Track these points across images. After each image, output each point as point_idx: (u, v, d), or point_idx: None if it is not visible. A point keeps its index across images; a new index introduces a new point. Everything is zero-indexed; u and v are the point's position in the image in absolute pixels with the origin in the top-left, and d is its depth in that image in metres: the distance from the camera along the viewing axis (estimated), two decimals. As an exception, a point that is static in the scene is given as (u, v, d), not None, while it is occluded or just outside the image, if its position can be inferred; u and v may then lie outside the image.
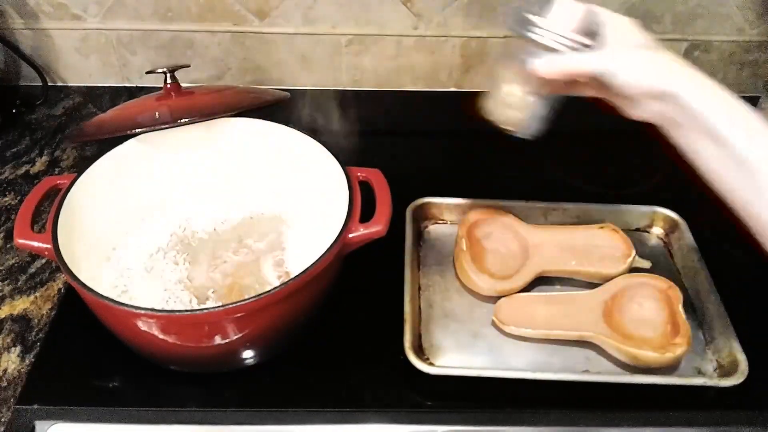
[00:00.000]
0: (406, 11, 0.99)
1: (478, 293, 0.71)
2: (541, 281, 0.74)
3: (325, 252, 0.59)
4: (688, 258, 0.76)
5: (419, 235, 0.79)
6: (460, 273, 0.73)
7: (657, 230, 0.81)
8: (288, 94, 0.79)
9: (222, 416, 0.61)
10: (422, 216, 0.81)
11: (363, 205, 0.64)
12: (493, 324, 0.68)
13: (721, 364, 0.65)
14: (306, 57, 1.04)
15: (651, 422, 0.62)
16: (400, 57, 1.05)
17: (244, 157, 0.79)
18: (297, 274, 0.57)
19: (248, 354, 0.63)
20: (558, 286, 0.74)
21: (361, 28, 1.01)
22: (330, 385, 0.64)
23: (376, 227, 0.62)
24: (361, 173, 0.68)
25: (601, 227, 0.76)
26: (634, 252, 0.73)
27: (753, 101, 1.00)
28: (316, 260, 0.58)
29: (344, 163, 0.69)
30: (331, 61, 1.05)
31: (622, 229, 0.76)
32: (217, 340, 0.58)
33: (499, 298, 0.70)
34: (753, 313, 0.70)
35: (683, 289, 0.70)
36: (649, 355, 0.62)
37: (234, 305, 0.54)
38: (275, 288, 0.56)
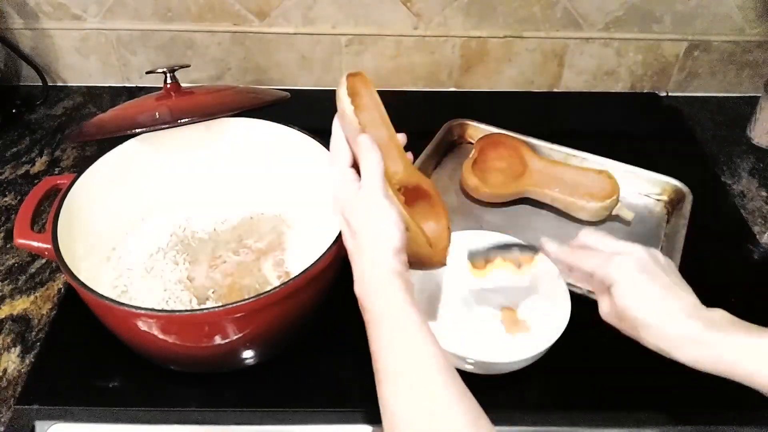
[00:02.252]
0: (406, 11, 0.99)
1: (470, 195, 0.85)
2: (527, 202, 0.85)
3: (325, 252, 0.59)
4: (677, 224, 0.79)
5: (450, 147, 0.94)
6: (462, 174, 0.85)
7: (664, 198, 0.85)
8: (288, 94, 0.79)
9: (222, 416, 0.61)
10: (457, 133, 0.95)
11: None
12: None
13: None
14: (306, 57, 1.04)
15: (651, 422, 0.62)
16: (400, 57, 1.05)
17: (244, 157, 0.79)
18: (297, 274, 0.57)
19: (248, 354, 0.63)
20: (543, 211, 0.84)
21: (361, 28, 1.01)
22: (330, 385, 0.64)
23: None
24: (361, 173, 0.68)
25: (599, 172, 0.82)
26: (616, 196, 0.79)
27: (753, 101, 1.00)
28: (316, 260, 0.58)
29: (344, 163, 0.69)
30: (331, 61, 1.05)
31: (636, 193, 0.85)
32: (217, 340, 0.58)
33: (487, 203, 0.84)
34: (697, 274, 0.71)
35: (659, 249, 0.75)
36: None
37: (234, 305, 0.54)
38: (275, 288, 0.56)
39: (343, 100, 0.55)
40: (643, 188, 0.86)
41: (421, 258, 0.56)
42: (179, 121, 0.68)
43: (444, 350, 0.48)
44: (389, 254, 0.51)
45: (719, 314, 0.51)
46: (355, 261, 0.53)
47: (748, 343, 0.48)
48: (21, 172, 0.91)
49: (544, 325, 0.66)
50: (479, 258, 0.66)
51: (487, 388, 0.63)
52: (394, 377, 0.46)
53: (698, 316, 0.50)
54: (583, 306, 0.64)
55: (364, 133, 0.54)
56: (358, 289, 0.52)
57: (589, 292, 0.70)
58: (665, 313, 0.51)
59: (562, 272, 0.62)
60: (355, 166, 0.56)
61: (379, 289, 0.50)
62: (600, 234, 0.57)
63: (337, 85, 0.56)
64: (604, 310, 0.55)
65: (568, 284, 0.66)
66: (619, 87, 1.09)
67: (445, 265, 0.58)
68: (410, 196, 0.59)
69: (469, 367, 0.61)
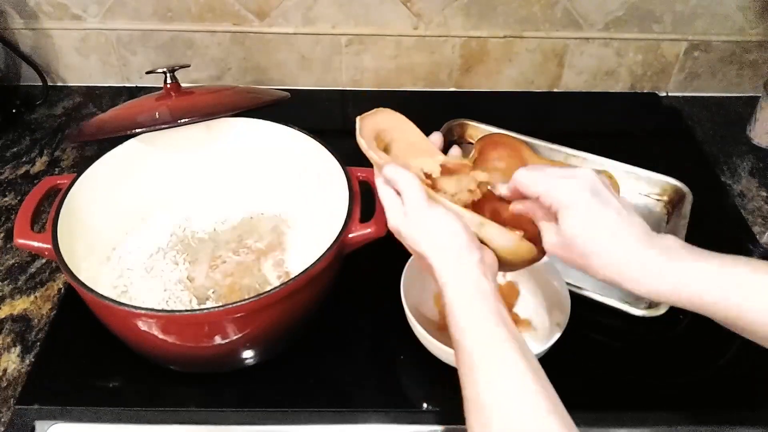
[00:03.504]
0: (406, 11, 0.99)
1: None
2: None
3: (325, 252, 0.59)
4: (677, 224, 0.79)
5: (450, 147, 0.92)
6: None
7: (664, 198, 0.85)
8: (288, 94, 0.79)
9: (222, 416, 0.61)
10: (457, 133, 0.95)
11: (363, 205, 0.64)
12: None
13: (651, 304, 0.69)
14: (306, 57, 1.04)
15: (651, 422, 0.62)
16: (400, 57, 1.05)
17: (244, 157, 0.79)
18: (297, 274, 0.57)
19: (248, 354, 0.63)
20: None
21: (361, 28, 1.01)
22: (330, 385, 0.64)
23: (376, 227, 0.62)
24: (361, 173, 0.68)
25: (599, 172, 0.80)
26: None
27: (753, 101, 1.00)
28: (316, 260, 0.58)
29: (344, 163, 0.69)
30: (331, 61, 1.05)
31: (636, 193, 0.84)
32: (217, 340, 0.58)
33: None
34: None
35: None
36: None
37: (234, 305, 0.54)
38: (275, 288, 0.56)
39: (359, 142, 0.55)
40: (643, 188, 0.86)
41: (512, 252, 0.52)
42: (179, 121, 0.68)
43: (541, 374, 0.45)
44: (456, 257, 0.48)
45: (672, 240, 0.48)
46: (439, 285, 0.50)
47: (709, 271, 0.45)
48: (21, 172, 0.91)
49: (545, 325, 0.66)
50: None
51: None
52: (481, 409, 0.43)
53: (651, 244, 0.47)
54: (583, 306, 0.64)
55: (388, 164, 0.53)
56: (445, 306, 0.49)
57: (590, 290, 0.70)
58: (618, 242, 0.47)
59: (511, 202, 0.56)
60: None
61: (461, 309, 0.47)
62: (538, 171, 0.52)
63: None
64: (550, 239, 0.50)
65: (568, 284, 0.66)
66: (619, 87, 1.09)
67: (542, 255, 0.53)
68: (484, 203, 0.57)
69: None
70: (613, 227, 0.47)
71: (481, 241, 0.51)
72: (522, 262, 0.53)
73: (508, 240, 0.51)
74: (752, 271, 0.44)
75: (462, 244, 0.49)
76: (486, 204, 0.57)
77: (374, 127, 0.58)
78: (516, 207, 0.55)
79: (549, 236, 0.50)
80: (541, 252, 0.52)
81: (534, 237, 0.52)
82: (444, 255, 0.49)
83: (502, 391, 0.43)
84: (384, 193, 0.54)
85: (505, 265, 0.52)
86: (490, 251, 0.51)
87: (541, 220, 0.51)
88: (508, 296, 0.71)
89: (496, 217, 0.54)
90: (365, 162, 0.67)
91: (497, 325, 0.46)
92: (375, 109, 0.59)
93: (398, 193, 0.53)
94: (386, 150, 0.59)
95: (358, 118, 0.57)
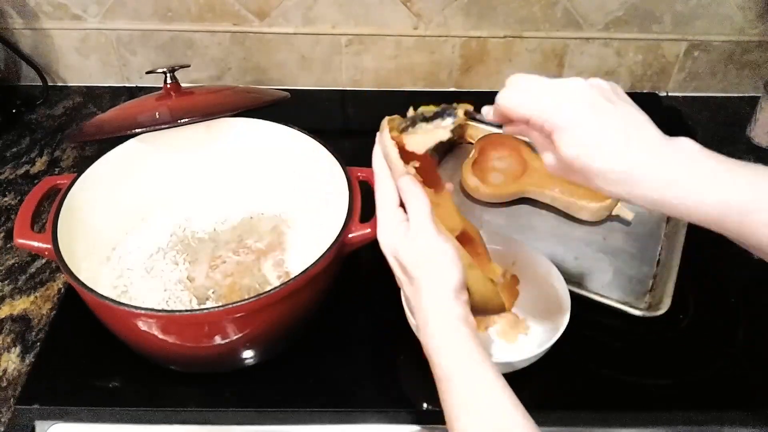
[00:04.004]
0: (406, 11, 0.99)
1: (470, 195, 0.85)
2: (527, 202, 0.84)
3: (325, 252, 0.59)
4: (677, 224, 0.79)
5: (450, 147, 0.94)
6: (461, 174, 0.85)
7: None
8: (288, 94, 0.79)
9: (222, 416, 0.61)
10: (457, 133, 0.95)
11: (363, 205, 0.64)
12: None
13: (651, 303, 0.71)
14: (306, 57, 1.04)
15: (651, 422, 0.62)
16: (400, 57, 1.05)
17: (244, 157, 0.79)
18: (297, 274, 0.57)
19: (248, 354, 0.63)
20: (543, 211, 0.83)
21: (361, 28, 1.01)
22: (330, 385, 0.64)
23: (377, 228, 0.61)
24: (361, 173, 0.68)
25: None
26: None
27: (753, 101, 1.00)
28: (316, 260, 0.58)
29: (344, 163, 0.69)
30: (331, 61, 1.05)
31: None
32: (217, 340, 0.58)
33: (487, 203, 0.83)
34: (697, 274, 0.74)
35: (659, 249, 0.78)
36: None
37: (234, 305, 0.54)
38: (275, 288, 0.56)
39: (387, 144, 0.53)
40: None
41: (484, 299, 0.52)
42: (179, 121, 0.68)
43: (520, 406, 0.44)
44: (451, 295, 0.48)
45: (687, 143, 0.43)
46: (416, 307, 0.49)
47: (744, 177, 0.41)
48: (21, 172, 0.91)
49: (544, 326, 0.66)
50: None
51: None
52: None
53: (662, 150, 0.42)
54: (583, 306, 0.64)
55: (406, 176, 0.51)
56: (424, 339, 0.48)
57: (590, 290, 0.70)
58: (624, 157, 0.42)
59: (494, 122, 0.53)
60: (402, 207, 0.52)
61: (448, 342, 0.47)
62: (532, 76, 0.47)
63: (380, 128, 0.54)
64: (548, 161, 0.47)
65: (567, 282, 0.66)
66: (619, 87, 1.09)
67: (505, 310, 0.55)
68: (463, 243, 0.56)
69: None
70: (616, 141, 0.42)
71: None
72: (489, 311, 0.55)
73: (488, 289, 0.52)
74: None
75: (458, 284, 0.48)
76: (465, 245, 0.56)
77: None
78: (507, 129, 0.50)
79: (548, 158, 0.47)
80: (509, 309, 0.55)
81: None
82: (437, 288, 0.48)
83: (489, 424, 0.44)
84: (387, 198, 0.52)
85: (473, 309, 0.52)
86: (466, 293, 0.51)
87: (537, 140, 0.47)
88: (509, 295, 0.70)
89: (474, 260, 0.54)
90: (365, 162, 0.67)
91: (483, 361, 0.46)
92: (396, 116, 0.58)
93: (402, 207, 0.51)
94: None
95: (386, 119, 0.55)
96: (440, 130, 0.54)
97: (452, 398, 0.45)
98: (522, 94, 0.46)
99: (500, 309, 0.55)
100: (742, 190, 0.41)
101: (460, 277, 0.48)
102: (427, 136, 0.54)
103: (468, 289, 0.51)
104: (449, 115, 0.54)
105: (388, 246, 0.51)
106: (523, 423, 0.43)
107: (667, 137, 0.43)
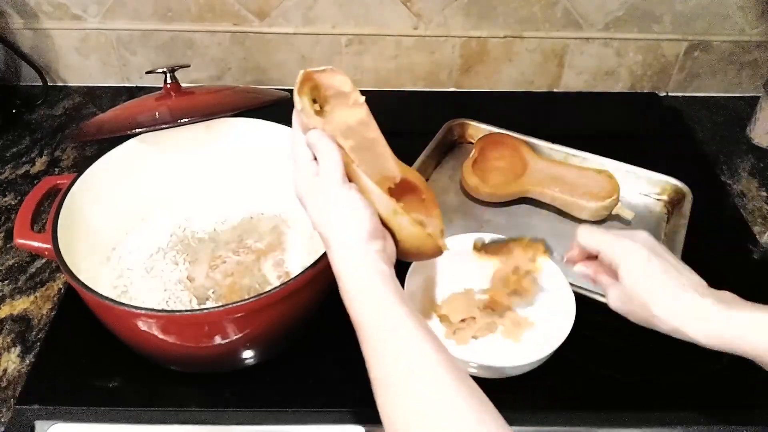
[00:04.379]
0: (406, 11, 0.99)
1: (470, 195, 0.85)
2: (527, 202, 0.85)
3: (325, 252, 0.58)
4: (677, 224, 0.79)
5: (450, 147, 0.94)
6: (462, 174, 0.85)
7: (664, 198, 0.85)
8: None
9: (222, 416, 0.61)
10: (457, 133, 0.95)
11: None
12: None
13: None
14: (306, 57, 1.04)
15: (651, 422, 0.62)
16: (400, 57, 1.05)
17: (244, 157, 0.79)
18: (297, 274, 0.57)
19: (248, 354, 0.63)
20: (543, 211, 0.84)
21: (361, 28, 1.01)
22: (330, 385, 0.64)
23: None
24: (361, 173, 0.68)
25: (599, 171, 0.82)
26: (616, 196, 0.79)
27: (753, 101, 1.00)
28: (316, 260, 0.58)
29: (344, 163, 0.69)
30: (331, 61, 1.05)
31: (636, 193, 0.85)
32: (217, 340, 0.58)
33: (487, 203, 0.84)
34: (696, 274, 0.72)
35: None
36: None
37: (234, 305, 0.54)
38: (275, 288, 0.56)
39: (295, 99, 0.53)
40: (643, 188, 0.86)
41: (415, 245, 0.53)
42: (179, 121, 0.68)
43: (443, 347, 0.44)
44: (358, 245, 0.48)
45: (728, 294, 0.51)
46: (333, 267, 0.50)
47: None
48: (21, 172, 0.91)
49: (550, 327, 0.66)
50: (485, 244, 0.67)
51: (492, 388, 0.63)
52: (388, 387, 0.44)
53: (710, 293, 0.50)
54: (584, 306, 0.64)
55: (314, 129, 0.52)
56: (341, 293, 0.49)
57: (593, 291, 0.70)
58: (677, 290, 0.50)
59: (569, 268, 0.61)
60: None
61: (359, 292, 0.47)
62: (599, 230, 0.56)
63: (296, 87, 0.54)
64: (613, 296, 0.54)
65: (572, 284, 0.66)
66: (619, 87, 1.09)
67: (441, 252, 0.55)
68: (397, 191, 0.56)
69: (472, 371, 0.61)
70: (671, 278, 0.51)
71: (387, 227, 0.51)
72: (423, 255, 0.55)
73: (416, 233, 0.52)
74: None
75: (365, 233, 0.48)
76: (399, 192, 0.56)
77: (320, 82, 0.56)
78: (580, 270, 0.59)
79: (612, 293, 0.54)
80: (440, 250, 0.55)
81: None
82: (343, 239, 0.49)
83: (406, 368, 0.43)
84: (300, 153, 0.53)
85: (406, 254, 0.53)
86: (391, 242, 0.51)
87: (605, 281, 0.56)
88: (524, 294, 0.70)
89: (407, 207, 0.53)
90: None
91: (398, 304, 0.46)
92: (325, 67, 0.57)
93: (315, 159, 0.52)
94: (320, 108, 0.57)
95: (302, 72, 0.54)
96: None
97: (370, 347, 0.46)
98: (597, 232, 0.56)
99: (436, 252, 0.55)
100: None
101: (367, 225, 0.48)
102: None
103: (395, 237, 0.52)
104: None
105: (298, 197, 0.53)
106: (437, 359, 0.43)
107: (711, 289, 0.52)
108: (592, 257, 0.57)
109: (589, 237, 0.55)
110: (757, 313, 0.48)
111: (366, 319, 0.46)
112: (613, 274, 0.54)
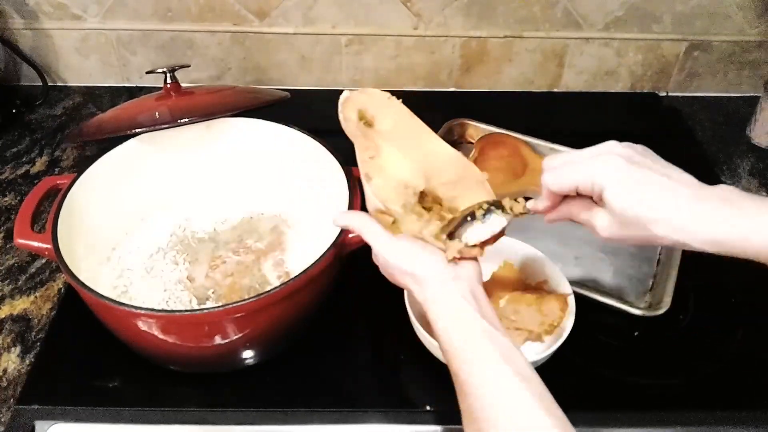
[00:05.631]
0: (406, 11, 0.99)
1: None
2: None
3: (325, 252, 0.59)
4: None
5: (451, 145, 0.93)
6: None
7: None
8: (288, 94, 0.79)
9: (222, 416, 0.61)
10: (457, 133, 0.95)
11: (363, 205, 0.64)
12: None
13: (651, 303, 0.71)
14: (306, 57, 1.04)
15: (651, 422, 0.62)
16: (400, 57, 1.05)
17: (244, 157, 0.79)
18: (297, 274, 0.57)
19: (248, 354, 0.63)
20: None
21: (361, 28, 1.01)
22: (330, 385, 0.64)
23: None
24: (362, 173, 0.68)
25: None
26: None
27: (753, 101, 1.00)
28: (316, 260, 0.58)
29: (344, 163, 0.69)
30: (331, 61, 1.05)
31: None
32: (217, 340, 0.58)
33: None
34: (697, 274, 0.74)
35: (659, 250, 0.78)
36: None
37: (234, 305, 0.54)
38: (275, 288, 0.56)
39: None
40: None
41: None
42: (179, 121, 0.68)
43: (528, 372, 0.45)
44: (433, 283, 0.50)
45: (728, 189, 0.45)
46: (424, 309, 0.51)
47: None
48: (21, 172, 0.91)
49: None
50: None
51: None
52: (486, 425, 0.44)
53: (709, 194, 0.45)
54: (583, 306, 0.64)
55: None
56: (434, 330, 0.50)
57: (593, 291, 0.70)
58: (671, 200, 0.45)
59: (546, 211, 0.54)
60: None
61: (452, 334, 0.48)
62: (564, 152, 0.50)
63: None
64: (603, 224, 0.48)
65: (572, 283, 0.66)
66: (619, 87, 1.09)
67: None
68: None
69: None
70: (661, 187, 0.45)
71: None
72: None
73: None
74: None
75: (432, 270, 0.50)
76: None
77: (359, 107, 0.58)
78: (551, 218, 0.53)
79: (601, 221, 0.48)
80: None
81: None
82: (421, 285, 0.50)
83: (495, 404, 0.44)
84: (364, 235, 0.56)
85: None
86: (466, 265, 0.51)
87: (585, 214, 0.50)
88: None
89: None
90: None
91: (482, 339, 0.46)
92: (361, 90, 0.59)
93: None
94: (369, 126, 0.59)
95: (341, 99, 0.56)
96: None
97: (456, 379, 0.46)
98: (564, 168, 0.49)
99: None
100: None
101: (430, 263, 0.50)
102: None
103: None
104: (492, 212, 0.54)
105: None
106: (520, 386, 0.43)
107: (705, 185, 0.46)
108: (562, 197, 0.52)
109: (560, 179, 0.49)
110: (763, 208, 0.43)
111: (453, 360, 0.47)
112: (592, 203, 0.48)
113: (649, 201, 0.45)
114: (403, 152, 0.58)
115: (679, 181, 0.46)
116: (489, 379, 0.45)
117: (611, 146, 0.48)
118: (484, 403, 0.44)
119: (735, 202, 0.44)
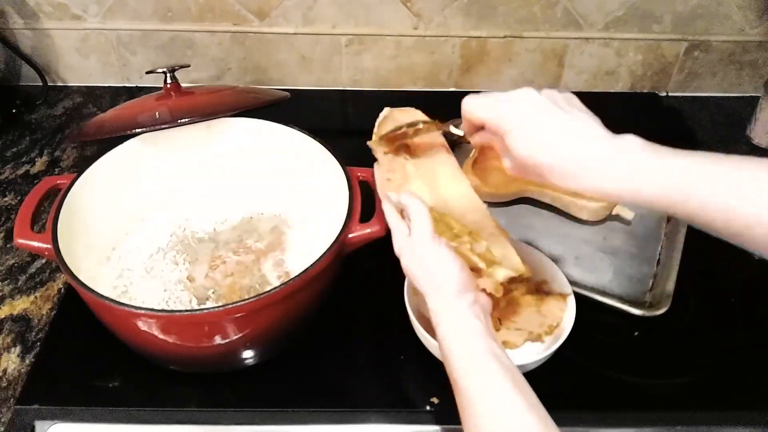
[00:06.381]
0: (406, 11, 0.99)
1: None
2: (527, 202, 0.84)
3: (325, 252, 0.59)
4: (677, 224, 0.79)
5: (450, 147, 0.89)
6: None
7: None
8: (288, 94, 0.79)
9: (222, 416, 0.61)
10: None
11: (363, 205, 0.64)
12: None
13: (651, 303, 0.70)
14: (306, 57, 1.04)
15: (651, 422, 0.62)
16: (400, 57, 1.05)
17: (244, 157, 0.79)
18: (297, 274, 0.57)
19: (248, 354, 0.63)
20: (543, 211, 0.83)
21: (361, 28, 1.01)
22: (330, 385, 0.64)
23: (376, 227, 0.62)
24: (361, 173, 0.68)
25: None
26: None
27: (753, 101, 1.00)
28: (316, 260, 0.58)
29: (344, 163, 0.69)
30: (331, 61, 1.05)
31: None
32: (217, 340, 0.58)
33: (485, 202, 0.76)
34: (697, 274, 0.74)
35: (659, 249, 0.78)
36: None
37: (234, 305, 0.54)
38: (275, 288, 0.56)
39: (376, 176, 0.58)
40: None
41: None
42: (179, 121, 0.68)
43: (534, 402, 0.46)
44: (449, 297, 0.50)
45: (632, 139, 0.46)
46: (432, 320, 0.51)
47: (676, 166, 0.43)
48: (21, 172, 0.91)
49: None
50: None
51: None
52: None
53: (608, 146, 0.45)
54: (583, 306, 0.64)
55: (405, 192, 0.56)
56: (438, 341, 0.51)
57: (593, 291, 0.70)
58: (568, 147, 0.45)
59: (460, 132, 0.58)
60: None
61: (455, 344, 0.49)
62: (482, 98, 0.51)
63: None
64: (506, 164, 0.50)
65: (572, 283, 0.66)
66: (619, 87, 1.09)
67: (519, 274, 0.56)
68: None
69: None
70: (561, 136, 0.46)
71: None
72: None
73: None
74: (714, 163, 0.43)
75: (454, 287, 0.50)
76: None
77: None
78: (474, 139, 0.55)
79: (506, 161, 0.50)
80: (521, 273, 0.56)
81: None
82: (436, 294, 0.51)
83: (499, 426, 0.44)
84: (390, 215, 0.56)
85: None
86: (485, 294, 0.53)
87: (497, 145, 0.51)
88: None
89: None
90: (365, 162, 0.67)
91: (491, 360, 0.47)
92: (400, 108, 0.60)
93: (403, 217, 0.55)
94: (406, 150, 0.61)
95: (377, 140, 0.60)
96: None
97: (460, 400, 0.47)
98: (479, 99, 0.51)
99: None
100: (676, 177, 0.43)
101: (457, 280, 0.50)
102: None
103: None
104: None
105: (397, 255, 0.55)
106: (535, 422, 0.44)
107: (612, 134, 0.47)
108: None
109: (473, 111, 0.50)
110: (665, 159, 0.44)
111: (461, 374, 0.47)
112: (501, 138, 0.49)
113: (545, 149, 0.46)
114: (427, 184, 0.61)
115: (583, 128, 0.47)
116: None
117: (526, 93, 0.49)
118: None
119: (633, 152, 0.45)
